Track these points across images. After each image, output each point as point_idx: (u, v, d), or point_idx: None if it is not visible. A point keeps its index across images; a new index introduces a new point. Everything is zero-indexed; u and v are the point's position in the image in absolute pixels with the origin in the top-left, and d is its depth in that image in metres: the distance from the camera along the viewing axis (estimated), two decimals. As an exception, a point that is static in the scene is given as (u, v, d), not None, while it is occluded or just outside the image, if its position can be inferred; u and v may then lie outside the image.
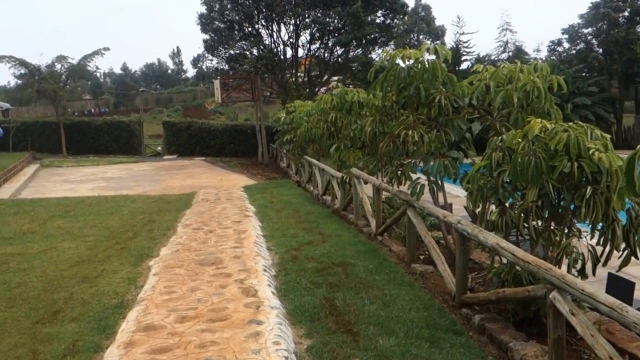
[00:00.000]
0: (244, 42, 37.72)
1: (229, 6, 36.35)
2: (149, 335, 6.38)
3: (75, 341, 6.43)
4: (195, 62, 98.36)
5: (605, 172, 5.83)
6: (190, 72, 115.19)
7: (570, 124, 6.32)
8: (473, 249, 9.39)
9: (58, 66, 38.99)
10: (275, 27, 37.33)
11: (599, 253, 6.18)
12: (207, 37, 37.68)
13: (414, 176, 9.82)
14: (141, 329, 6.58)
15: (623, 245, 5.93)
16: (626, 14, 33.05)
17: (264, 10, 36.12)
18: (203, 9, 37.18)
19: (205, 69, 67.52)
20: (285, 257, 10.01)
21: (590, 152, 5.85)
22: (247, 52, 37.86)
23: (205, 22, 37.14)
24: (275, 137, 28.30)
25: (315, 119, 17.84)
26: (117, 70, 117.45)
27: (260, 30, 37.52)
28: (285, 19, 36.64)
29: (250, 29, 37.17)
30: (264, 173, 28.00)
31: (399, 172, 9.95)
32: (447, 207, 10.26)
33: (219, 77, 35.13)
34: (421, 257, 9.70)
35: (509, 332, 6.21)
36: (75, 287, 8.47)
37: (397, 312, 7.07)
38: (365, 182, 12.48)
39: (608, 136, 6.28)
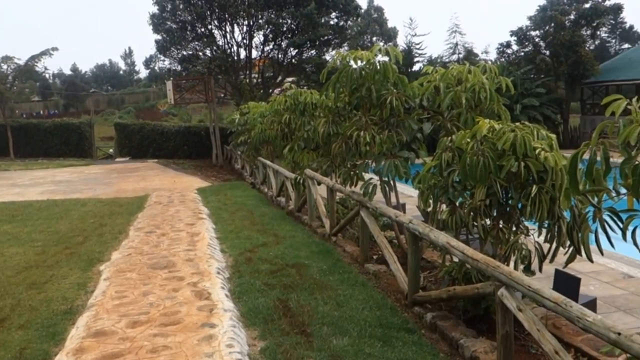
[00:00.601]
0: (196, 43, 37.32)
1: (181, 6, 35.89)
2: (99, 341, 6.25)
3: (22, 349, 6.25)
4: (148, 62, 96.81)
5: (550, 171, 6.00)
6: (143, 73, 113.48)
7: (517, 124, 6.47)
8: (425, 248, 9.52)
9: (4, 67, 37.87)
10: (228, 28, 37.08)
11: (545, 250, 6.33)
12: (159, 37, 37.14)
13: (366, 176, 9.89)
14: (91, 335, 6.44)
15: (569, 242, 6.10)
16: (572, 17, 34.04)
17: (216, 10, 35.80)
18: (155, 9, 36.65)
19: (157, 70, 66.60)
20: (239, 259, 9.95)
21: (536, 151, 6.00)
22: (200, 53, 37.47)
23: (157, 23, 36.59)
24: (229, 139, 28.10)
25: (269, 120, 17.79)
26: (67, 71, 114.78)
27: (213, 30, 37.18)
28: (238, 20, 36.40)
29: (203, 29, 36.79)
30: (218, 175, 27.76)
31: (352, 173, 10.01)
32: (400, 207, 10.37)
33: (171, 78, 34.66)
34: (374, 256, 9.77)
35: (459, 329, 6.32)
36: (22, 294, 8.24)
37: (351, 312, 7.10)
38: (319, 183, 12.51)
39: (553, 136, 6.45)
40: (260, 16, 36.16)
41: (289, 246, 10.78)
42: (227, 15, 35.94)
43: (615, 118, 4.46)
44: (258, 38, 37.72)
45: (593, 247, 5.78)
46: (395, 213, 8.21)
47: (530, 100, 32.50)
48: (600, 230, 4.62)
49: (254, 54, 38.18)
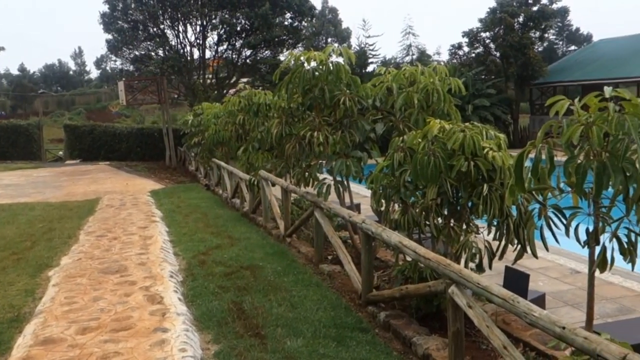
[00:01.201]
0: (149, 43, 36.79)
1: (132, 5, 35.31)
2: (47, 349, 6.08)
3: (-36, 360, 6.04)
4: (99, 63, 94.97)
5: (499, 170, 6.13)
6: (94, 73, 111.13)
7: (467, 124, 6.59)
8: (379, 248, 9.59)
9: (-54, 67, 36.51)
10: (181, 28, 36.65)
11: (495, 247, 6.45)
12: (110, 37, 36.44)
13: (321, 177, 9.91)
14: (39, 343, 6.25)
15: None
16: (521, 19, 34.85)
17: (169, 10, 35.34)
18: (105, 8, 35.94)
19: (109, 70, 65.39)
20: (192, 262, 9.83)
21: (485, 151, 6.12)
22: (153, 53, 36.95)
23: (107, 22, 35.89)
24: (183, 140, 27.75)
25: (224, 121, 17.67)
26: (14, 71, 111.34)
27: (165, 30, 36.72)
28: (191, 20, 36.04)
29: (155, 29, 36.27)
30: (172, 177, 27.39)
31: (306, 174, 10.01)
32: (354, 207, 10.43)
33: (123, 79, 34.03)
34: (329, 257, 9.79)
35: (412, 327, 6.39)
36: (-35, 303, 7.95)
37: (305, 312, 7.10)
38: (274, 184, 12.47)
39: (502, 136, 6.59)
40: (213, 16, 35.87)
41: (243, 248, 10.72)
42: (180, 15, 35.52)
43: (559, 118, 4.59)
44: (212, 38, 37.47)
45: (541, 243, 5.92)
46: (349, 213, 8.25)
47: (482, 100, 33.14)
48: (545, 227, 4.73)
49: (208, 54, 37.90)
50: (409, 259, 6.79)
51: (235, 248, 10.74)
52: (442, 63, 39.25)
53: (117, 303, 7.52)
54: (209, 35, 37.01)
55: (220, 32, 36.49)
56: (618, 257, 4.62)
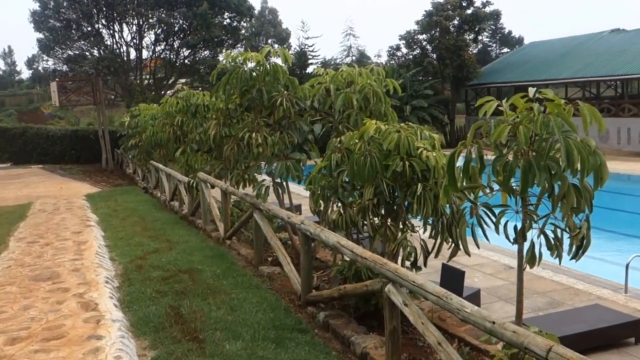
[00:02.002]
0: (83, 42, 35.74)
1: (64, 3, 34.20)
2: (-28, 362, 5.82)
3: None
4: (30, 62, 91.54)
5: (433, 169, 6.25)
6: (25, 73, 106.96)
7: (402, 125, 6.70)
8: (319, 248, 9.63)
9: None
10: (117, 27, 35.75)
11: (430, 246, 6.58)
12: (41, 36, 35.19)
13: (260, 178, 9.87)
14: (-37, 356, 5.99)
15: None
16: (455, 22, 35.70)
17: (104, 9, 34.44)
18: (36, 6, 34.68)
19: (41, 71, 63.14)
20: (129, 267, 9.62)
21: (419, 151, 6.24)
22: (87, 53, 35.92)
23: (38, 20, 34.63)
24: (120, 142, 27.09)
25: (161, 122, 17.37)
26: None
27: (100, 30, 35.73)
28: (127, 19, 35.22)
29: (89, 28, 35.26)
30: (108, 180, 26.71)
31: (245, 175, 9.95)
32: (294, 208, 10.43)
33: (56, 79, 32.93)
34: (269, 259, 9.77)
35: (351, 326, 6.44)
36: None
37: (244, 315, 7.05)
38: (213, 186, 12.34)
39: (435, 136, 6.73)
40: (150, 15, 35.18)
41: (182, 251, 10.56)
42: (115, 14, 34.68)
43: (487, 118, 4.72)
44: (149, 38, 36.71)
45: (481, 241, 6.05)
46: (288, 214, 8.25)
47: (419, 101, 33.75)
48: (477, 225, 4.86)
49: (145, 54, 37.11)
50: (347, 258, 6.84)
51: (174, 252, 10.57)
52: (381, 64, 39.86)
53: (49, 311, 7.28)
54: (145, 34, 36.27)
55: (158, 32, 35.81)
56: (547, 253, 4.79)
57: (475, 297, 7.46)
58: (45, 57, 38.70)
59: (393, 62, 38.51)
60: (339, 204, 7.17)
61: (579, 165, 4.46)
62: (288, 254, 8.65)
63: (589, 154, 4.47)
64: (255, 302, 7.58)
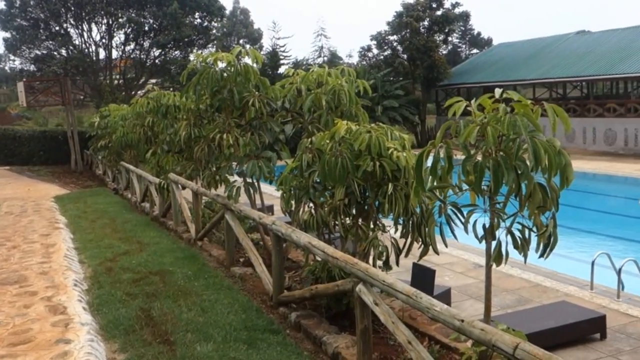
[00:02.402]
0: (51, 42, 35.15)
1: (32, 2, 33.60)
2: None
3: None
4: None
5: (403, 169, 6.30)
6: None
7: (373, 125, 6.74)
8: (291, 249, 9.62)
9: None
10: (85, 27, 35.25)
11: (401, 245, 6.63)
12: (7, 35, 34.52)
13: (231, 179, 9.82)
14: None
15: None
16: (426, 23, 36.01)
17: (72, 8, 33.91)
18: (2, 5, 34.04)
19: (8, 70, 61.86)
20: (98, 270, 9.50)
21: (390, 151, 6.28)
22: (55, 53, 35.34)
23: (5, 19, 33.96)
24: (89, 143, 26.70)
25: (132, 123, 17.16)
26: None
27: (69, 29, 35.19)
28: (96, 18, 34.75)
29: (57, 27, 34.70)
30: (77, 181, 26.32)
31: (217, 176, 9.90)
32: (265, 209, 10.42)
33: (23, 79, 32.32)
34: (241, 259, 9.74)
35: (322, 326, 6.46)
36: None
37: (216, 317, 7.02)
38: (184, 187, 12.25)
39: (405, 136, 6.79)
40: (120, 15, 34.77)
41: (152, 253, 10.46)
42: (84, 14, 34.19)
43: (456, 119, 4.78)
44: (118, 38, 36.27)
45: (452, 240, 6.11)
46: (259, 215, 8.23)
47: (390, 102, 33.96)
48: (445, 224, 4.92)
49: (115, 54, 36.66)
50: (318, 259, 6.86)
51: (144, 253, 10.47)
52: (353, 65, 39.99)
53: (16, 315, 7.16)
54: (115, 34, 35.82)
55: (128, 32, 35.41)
56: (515, 251, 4.86)
57: (445, 296, 7.54)
58: (12, 57, 37.96)
59: (364, 62, 38.69)
60: (311, 205, 7.18)
61: (546, 165, 4.54)
62: (260, 255, 8.64)
63: (555, 154, 4.54)
64: (227, 303, 7.55)
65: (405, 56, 36.57)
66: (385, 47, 37.46)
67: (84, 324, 6.78)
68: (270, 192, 14.92)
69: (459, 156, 4.75)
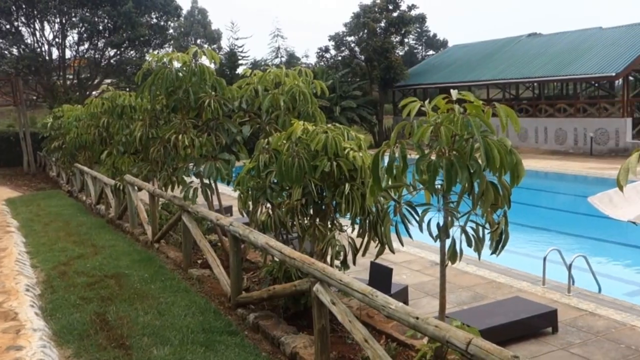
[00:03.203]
0: (1, 40, 34.20)
1: (-20, 0, 32.65)
2: None
3: None
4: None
5: (359, 169, 6.35)
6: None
7: (329, 125, 6.77)
8: (249, 250, 9.59)
9: None
10: (38, 26, 34.42)
11: (358, 244, 6.68)
12: (-45, 33, 33.48)
13: (188, 180, 9.73)
14: None
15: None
16: (382, 24, 36.31)
17: (23, 6, 33.05)
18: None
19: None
20: (52, 274, 9.29)
21: (346, 151, 6.32)
22: (6, 52, 34.40)
23: (-49, 17, 32.94)
24: (43, 145, 26.06)
25: (86, 124, 16.84)
26: None
27: (20, 28, 34.29)
28: (49, 17, 33.95)
29: (8, 26, 33.77)
30: (30, 184, 25.69)
31: (173, 178, 9.79)
32: (223, 210, 10.35)
33: (-28, 79, 31.41)
34: (199, 261, 9.66)
35: (281, 327, 6.47)
36: None
37: (173, 319, 6.95)
38: (140, 189, 12.08)
39: (361, 136, 6.85)
40: (73, 14, 34.06)
41: (108, 256, 10.29)
42: (35, 12, 33.36)
43: (411, 119, 4.85)
44: (72, 37, 35.51)
45: (409, 239, 6.19)
46: (217, 216, 8.19)
47: (349, 102, 34.14)
48: (401, 223, 4.98)
49: (68, 53, 35.88)
50: (276, 259, 6.86)
51: (100, 257, 10.29)
52: (310, 65, 40.03)
53: (-35, 322, 6.94)
54: (68, 33, 35.06)
55: (81, 31, 34.70)
56: (470, 249, 4.96)
57: (403, 294, 7.62)
58: (-40, 56, 36.81)
59: (322, 63, 38.77)
60: (268, 205, 7.17)
61: (497, 164, 4.64)
62: (218, 256, 8.58)
63: (506, 153, 4.65)
64: (184, 305, 7.48)
65: (362, 57, 36.81)
66: (343, 48, 37.64)
67: (36, 329, 6.62)
68: (229, 193, 14.83)
69: (414, 156, 4.82)
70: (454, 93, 4.89)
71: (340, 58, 37.85)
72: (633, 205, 6.92)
